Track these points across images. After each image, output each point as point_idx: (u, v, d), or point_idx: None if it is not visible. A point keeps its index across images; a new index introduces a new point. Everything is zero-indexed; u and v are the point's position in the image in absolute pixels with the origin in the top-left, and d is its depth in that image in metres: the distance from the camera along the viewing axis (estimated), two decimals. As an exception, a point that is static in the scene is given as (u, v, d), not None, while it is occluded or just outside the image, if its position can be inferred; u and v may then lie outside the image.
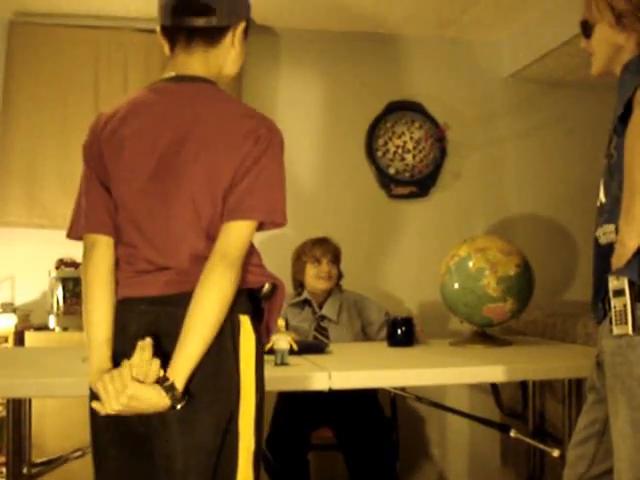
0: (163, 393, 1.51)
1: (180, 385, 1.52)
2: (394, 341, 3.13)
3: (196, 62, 1.72)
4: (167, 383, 1.51)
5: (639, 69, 1.80)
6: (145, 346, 1.54)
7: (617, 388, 1.87)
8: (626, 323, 1.82)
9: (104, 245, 1.70)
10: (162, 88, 1.73)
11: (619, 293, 1.84)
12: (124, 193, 1.68)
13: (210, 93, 1.71)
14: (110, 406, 1.51)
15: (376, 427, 3.29)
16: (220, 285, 1.56)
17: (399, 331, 3.13)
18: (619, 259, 1.84)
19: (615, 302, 1.86)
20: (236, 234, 1.61)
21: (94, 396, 1.61)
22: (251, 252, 1.70)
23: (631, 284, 1.82)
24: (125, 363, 1.53)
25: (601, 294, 1.98)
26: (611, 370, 1.90)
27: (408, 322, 3.15)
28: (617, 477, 1.89)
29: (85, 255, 1.71)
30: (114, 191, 1.70)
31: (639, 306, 1.82)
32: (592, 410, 2.08)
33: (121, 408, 1.51)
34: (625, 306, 1.82)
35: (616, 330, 1.86)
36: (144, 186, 1.66)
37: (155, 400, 1.51)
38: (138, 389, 1.50)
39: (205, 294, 1.55)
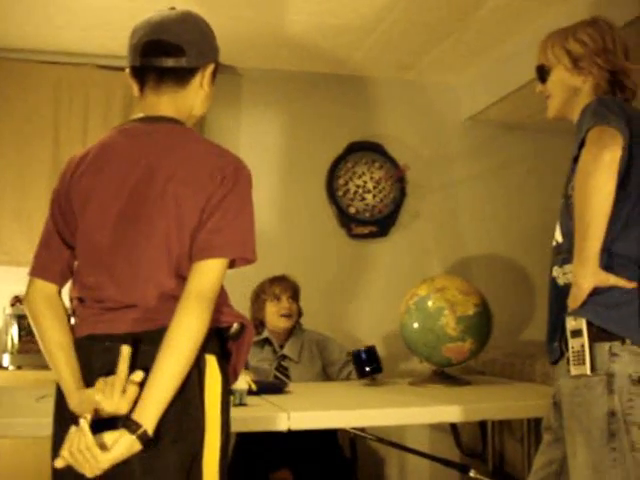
0: (136, 443, 1.48)
1: (151, 430, 1.50)
2: (362, 372, 3.11)
3: (165, 103, 1.74)
4: (140, 431, 1.48)
5: (595, 112, 1.84)
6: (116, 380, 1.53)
7: (575, 429, 1.88)
8: (584, 363, 1.83)
9: (43, 290, 1.73)
10: (131, 129, 1.74)
11: (577, 334, 1.85)
12: (92, 235, 1.69)
13: (178, 133, 1.72)
14: (86, 474, 1.50)
15: (335, 468, 3.26)
16: (194, 326, 1.55)
17: (365, 361, 3.11)
18: (575, 300, 1.86)
19: (573, 343, 1.87)
20: (208, 273, 1.60)
21: (56, 438, 1.61)
22: (226, 293, 1.71)
23: (589, 325, 1.84)
24: (83, 427, 1.48)
25: (557, 334, 1.99)
26: (569, 411, 1.90)
27: (371, 350, 3.13)
28: (577, 519, 1.89)
29: (25, 296, 1.76)
30: (82, 233, 1.71)
31: (597, 346, 1.83)
32: (549, 450, 2.09)
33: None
34: (583, 346, 1.83)
35: (574, 371, 1.87)
36: (113, 227, 1.67)
37: (128, 453, 1.49)
38: (111, 460, 1.47)
39: (179, 337, 1.54)
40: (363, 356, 3.12)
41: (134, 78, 1.76)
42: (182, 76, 1.73)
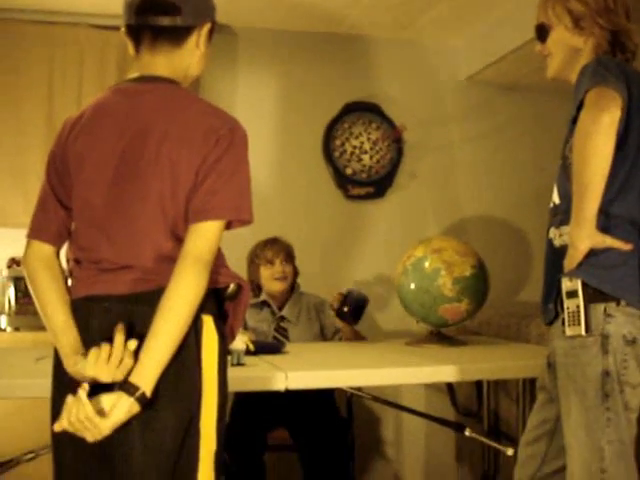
0: (135, 405, 1.50)
1: (149, 392, 1.52)
2: (341, 314, 3.15)
3: (160, 62, 1.72)
4: (138, 393, 1.50)
5: (594, 73, 1.82)
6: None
7: (569, 389, 1.89)
8: (579, 324, 1.84)
9: (40, 251, 1.74)
10: (125, 89, 1.73)
11: (572, 294, 1.86)
12: (87, 195, 1.69)
13: (173, 93, 1.71)
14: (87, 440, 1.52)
15: (331, 428, 3.29)
16: (191, 289, 1.55)
17: (349, 305, 3.14)
18: (571, 261, 1.86)
19: (568, 303, 1.88)
20: (205, 236, 1.60)
21: (55, 402, 1.64)
22: (223, 254, 1.72)
23: (584, 285, 1.84)
24: (81, 397, 1.49)
25: (553, 295, 2.00)
26: (564, 371, 1.92)
27: (362, 299, 3.16)
28: (570, 477, 1.91)
29: (22, 258, 1.77)
30: (77, 194, 1.71)
31: (592, 307, 1.84)
32: (543, 409, 2.11)
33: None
34: (578, 307, 1.84)
35: (569, 331, 1.88)
36: (108, 187, 1.66)
37: (128, 416, 1.51)
38: (112, 426, 1.50)
39: (176, 300, 1.55)
40: (351, 299, 3.16)
41: (129, 37, 1.74)
42: (178, 35, 1.71)
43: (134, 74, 1.74)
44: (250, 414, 3.26)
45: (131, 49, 1.75)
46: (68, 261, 1.76)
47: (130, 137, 1.65)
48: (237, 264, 2.15)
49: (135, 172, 1.64)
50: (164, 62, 1.72)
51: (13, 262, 3.61)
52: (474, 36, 4.16)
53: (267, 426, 3.28)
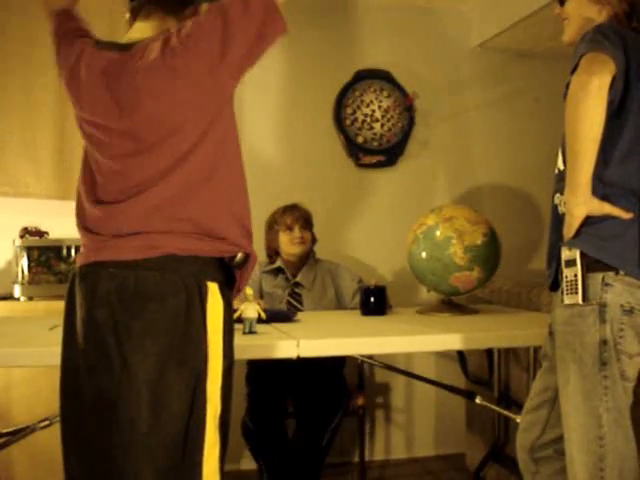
0: None
1: None
2: (367, 310, 3.14)
3: (154, 25, 1.77)
4: None
5: (591, 39, 1.82)
6: None
7: (568, 357, 1.90)
8: (576, 293, 1.85)
9: None
10: (117, 59, 1.78)
11: (571, 263, 1.87)
12: (95, 162, 1.73)
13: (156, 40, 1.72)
14: None
15: (332, 394, 3.31)
16: None
17: (372, 300, 3.14)
18: (569, 228, 1.87)
19: (567, 272, 1.88)
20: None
21: (65, 366, 1.68)
22: (234, 223, 1.74)
23: (582, 255, 1.85)
24: None
25: (553, 261, 2.00)
26: (562, 339, 1.93)
27: (381, 291, 3.16)
28: (568, 446, 1.92)
29: None
30: (90, 160, 1.76)
31: (590, 276, 1.84)
32: (545, 377, 2.13)
33: None
34: (576, 276, 1.85)
35: (567, 300, 1.89)
36: (112, 160, 1.70)
37: None
38: None
39: None
40: (371, 294, 3.15)
41: (131, 13, 1.81)
42: (174, 7, 1.78)
43: (126, 39, 1.78)
44: (266, 383, 3.28)
45: (129, 18, 1.81)
46: (79, 229, 1.78)
47: (123, 108, 1.68)
48: (254, 230, 2.15)
49: (141, 141, 1.67)
50: (157, 25, 1.76)
51: (26, 232, 3.62)
52: (487, 2, 4.12)
53: (282, 395, 3.30)
